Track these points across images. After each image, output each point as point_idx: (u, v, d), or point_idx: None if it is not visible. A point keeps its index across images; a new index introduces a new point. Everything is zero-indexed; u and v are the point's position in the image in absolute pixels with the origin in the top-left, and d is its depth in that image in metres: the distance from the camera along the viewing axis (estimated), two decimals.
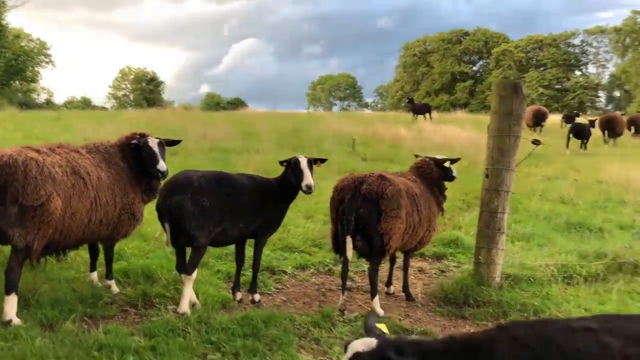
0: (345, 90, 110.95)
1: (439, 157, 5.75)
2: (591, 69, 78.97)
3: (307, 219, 8.16)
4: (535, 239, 7.45)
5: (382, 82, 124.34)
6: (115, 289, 4.97)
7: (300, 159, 4.94)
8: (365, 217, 4.71)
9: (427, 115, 25.44)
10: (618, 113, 25.50)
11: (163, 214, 4.61)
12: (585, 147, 18.67)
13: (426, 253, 7.00)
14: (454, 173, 5.73)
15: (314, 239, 7.23)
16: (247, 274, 5.50)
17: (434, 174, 5.61)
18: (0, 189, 3.95)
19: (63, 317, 4.31)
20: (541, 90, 73.69)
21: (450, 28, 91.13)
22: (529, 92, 73.31)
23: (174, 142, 5.09)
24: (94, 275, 5.08)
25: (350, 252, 4.78)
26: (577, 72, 77.96)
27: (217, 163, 10.90)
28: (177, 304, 4.73)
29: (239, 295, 5.15)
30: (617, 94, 77.18)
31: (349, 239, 4.73)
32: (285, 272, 6.10)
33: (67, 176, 4.28)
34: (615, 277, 6.12)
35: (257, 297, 5.15)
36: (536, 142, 5.88)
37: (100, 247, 5.09)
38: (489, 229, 5.54)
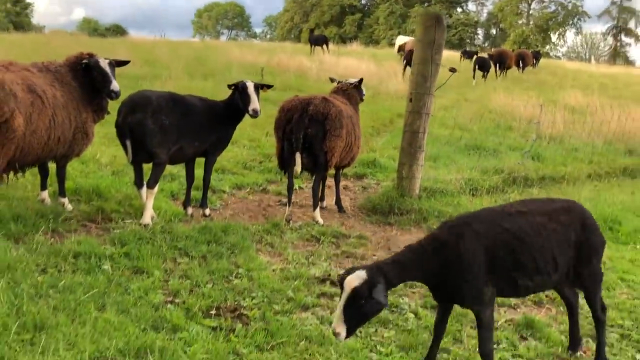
0: (233, 19, 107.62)
1: (352, 80, 6.35)
2: (471, 6, 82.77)
3: (233, 144, 8.47)
4: (441, 159, 8.38)
5: (271, 11, 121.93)
6: (69, 206, 5.10)
7: (247, 84, 5.24)
8: (312, 136, 5.19)
9: (325, 46, 25.88)
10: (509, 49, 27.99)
11: (124, 132, 4.78)
12: (485, 78, 20.49)
13: (348, 173, 7.65)
14: (362, 94, 6.40)
15: (243, 162, 7.63)
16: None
17: (357, 96, 6.20)
18: None
19: (28, 231, 4.46)
20: None
21: None
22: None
23: (122, 63, 5.18)
24: (45, 194, 5.16)
25: (299, 167, 5.27)
26: (459, 9, 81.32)
27: (128, 91, 10.70)
28: (134, 218, 5.02)
29: (190, 210, 5.50)
30: (493, 31, 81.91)
31: (298, 155, 5.20)
32: (224, 192, 6.48)
33: (26, 94, 4.31)
34: (511, 188, 7.23)
35: (207, 211, 5.53)
36: (452, 70, 6.61)
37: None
38: (411, 147, 6.27)
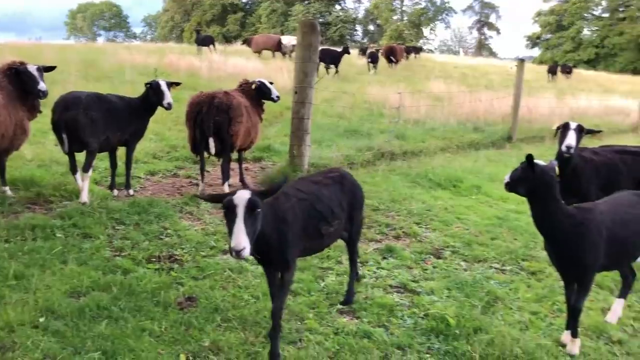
0: (110, 20, 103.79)
1: (251, 80, 7.43)
2: (349, 3, 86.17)
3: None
4: (324, 142, 9.85)
5: (150, 11, 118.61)
6: (10, 193, 5.92)
7: (160, 82, 6.33)
8: (220, 123, 6.39)
9: (212, 46, 26.71)
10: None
11: (60, 127, 5.69)
12: (375, 69, 23.29)
13: (248, 157, 8.89)
14: (274, 94, 7.23)
15: (152, 153, 8.61)
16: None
17: (252, 93, 7.42)
18: None
19: None
20: None
21: None
22: (296, 25, 77.73)
23: (49, 69, 6.05)
24: None
25: (214, 149, 6.45)
26: (337, 7, 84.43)
27: None
28: (70, 199, 5.96)
29: (116, 192, 6.48)
30: (371, 27, 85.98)
31: (211, 140, 6.39)
32: (140, 177, 7.47)
33: None
34: (380, 162, 8.84)
35: (131, 192, 6.55)
36: (345, 51, 8.02)
37: None
38: (299, 131, 7.63)
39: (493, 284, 4.94)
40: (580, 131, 5.27)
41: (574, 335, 3.91)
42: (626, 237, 3.90)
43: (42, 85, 5.75)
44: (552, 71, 32.40)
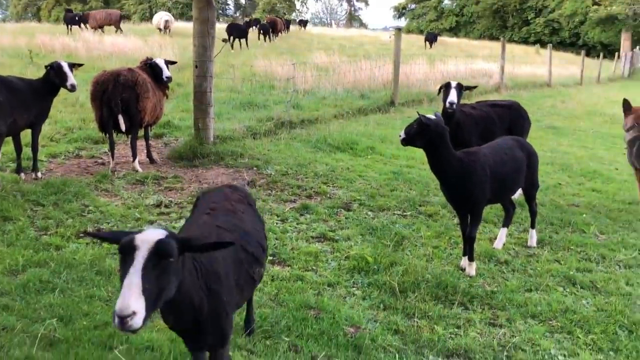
0: None
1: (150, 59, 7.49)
2: None
3: None
4: (223, 115, 10.08)
5: None
6: None
7: (62, 63, 6.25)
8: (127, 99, 6.46)
9: (83, 25, 25.31)
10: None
11: None
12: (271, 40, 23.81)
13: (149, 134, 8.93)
14: (165, 75, 7.17)
15: (49, 136, 8.38)
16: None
17: (147, 71, 7.50)
18: None
19: None
20: None
21: None
22: (164, 0, 75.05)
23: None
24: None
25: (124, 126, 6.51)
26: None
27: None
28: None
29: (23, 175, 6.37)
30: (243, 1, 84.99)
31: (120, 117, 6.44)
32: (42, 161, 7.31)
33: None
34: (281, 131, 9.30)
35: (39, 174, 6.46)
36: (225, 40, 8.28)
37: None
38: (202, 104, 7.84)
39: (398, 227, 5.63)
40: (460, 89, 6.09)
41: (471, 259, 4.69)
42: (505, 174, 4.73)
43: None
44: (430, 40, 34.87)
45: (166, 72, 7.27)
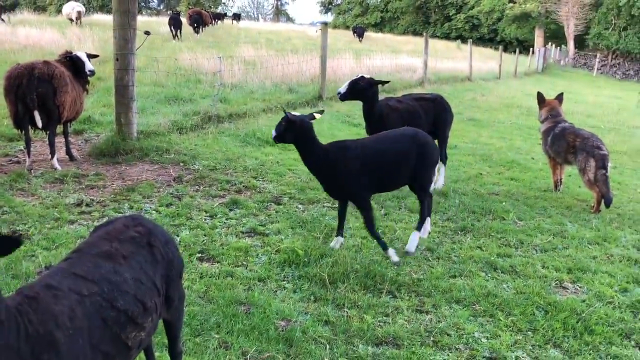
0: None
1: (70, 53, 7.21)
2: None
3: None
4: (147, 110, 9.76)
5: None
6: None
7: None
8: (44, 94, 6.13)
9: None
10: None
11: None
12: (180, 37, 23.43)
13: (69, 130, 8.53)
14: (88, 68, 6.96)
15: None
16: None
17: (67, 65, 7.16)
18: None
19: None
20: None
21: None
22: None
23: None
24: None
25: (40, 122, 6.17)
26: None
27: None
28: None
29: None
30: None
31: (36, 113, 6.10)
32: None
33: None
34: (208, 125, 9.14)
35: None
36: (147, 33, 8.03)
37: None
38: (124, 98, 7.57)
39: (328, 219, 5.69)
40: (355, 83, 6.23)
41: (384, 249, 4.79)
42: (385, 165, 4.78)
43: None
44: (358, 33, 35.44)
45: (89, 66, 6.99)
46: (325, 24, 13.57)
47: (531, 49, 42.22)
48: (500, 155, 9.71)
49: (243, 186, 6.56)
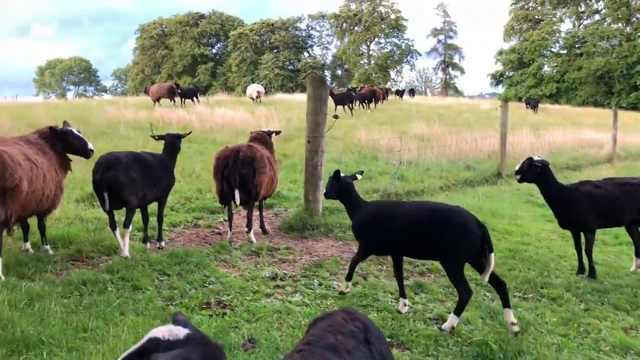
0: (79, 75, 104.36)
1: (265, 129, 7.92)
2: (317, 50, 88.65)
3: None
4: None
5: (120, 65, 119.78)
6: (51, 252, 6.17)
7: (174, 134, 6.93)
8: (245, 175, 6.78)
9: (195, 99, 27.25)
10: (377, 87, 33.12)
11: (102, 187, 5.99)
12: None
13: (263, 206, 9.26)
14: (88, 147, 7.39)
15: (169, 205, 8.88)
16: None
17: (270, 141, 7.77)
18: None
19: (34, 272, 5.53)
20: (277, 70, 79.90)
21: (186, 10, 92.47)
22: (267, 72, 79.65)
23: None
24: (28, 244, 6.17)
25: (239, 200, 6.82)
26: (306, 54, 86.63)
27: None
28: (109, 255, 6.23)
29: (149, 245, 6.76)
30: (339, 72, 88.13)
31: (237, 192, 6.76)
32: (163, 229, 7.75)
33: (25, 162, 5.45)
34: None
35: (163, 244, 6.84)
36: (335, 117, 8.56)
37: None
38: (313, 177, 8.06)
39: (520, 311, 5.35)
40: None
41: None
42: (394, 226, 4.99)
43: (90, 145, 6.17)
44: (532, 105, 34.49)
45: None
46: (505, 100, 13.34)
47: None
48: None
49: (426, 268, 6.48)
